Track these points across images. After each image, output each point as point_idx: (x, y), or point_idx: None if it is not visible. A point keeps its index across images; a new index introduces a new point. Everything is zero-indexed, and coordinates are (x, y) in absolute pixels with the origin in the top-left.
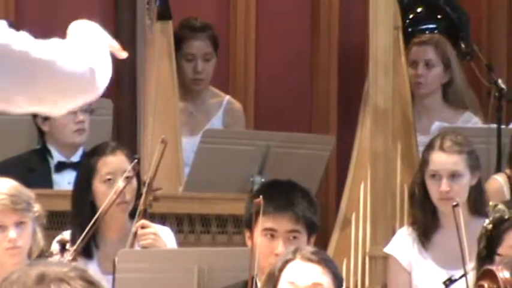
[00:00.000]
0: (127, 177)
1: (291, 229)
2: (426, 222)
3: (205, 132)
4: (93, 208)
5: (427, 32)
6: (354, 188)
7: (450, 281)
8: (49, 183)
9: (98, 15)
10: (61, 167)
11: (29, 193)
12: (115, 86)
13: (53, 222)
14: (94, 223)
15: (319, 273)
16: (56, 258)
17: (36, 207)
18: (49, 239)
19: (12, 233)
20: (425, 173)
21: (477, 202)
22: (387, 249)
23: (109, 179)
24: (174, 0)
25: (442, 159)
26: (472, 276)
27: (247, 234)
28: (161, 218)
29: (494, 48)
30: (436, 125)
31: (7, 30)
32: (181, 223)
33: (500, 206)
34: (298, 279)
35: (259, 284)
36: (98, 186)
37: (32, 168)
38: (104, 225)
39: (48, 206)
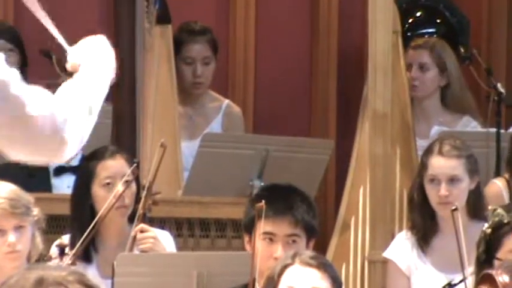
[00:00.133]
0: (126, 181)
1: (290, 233)
2: (425, 226)
3: (204, 136)
4: (93, 212)
5: (426, 36)
6: (353, 192)
7: (449, 285)
8: (48, 187)
9: (97, 18)
10: (60, 171)
11: (28, 197)
12: (114, 89)
13: (52, 226)
14: (93, 227)
15: (318, 278)
16: (55, 262)
17: (35, 211)
18: (48, 243)
19: (11, 237)
20: (424, 178)
21: (476, 206)
22: (386, 254)
23: (108, 183)
24: (174, 3)
25: (440, 164)
26: (471, 280)
27: (246, 238)
28: (160, 222)
29: (493, 53)
30: (436, 129)
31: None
32: (180, 227)
33: (499, 210)
34: (298, 284)
35: None
36: (97, 190)
37: (31, 172)
38: (103, 229)
39: (47, 210)
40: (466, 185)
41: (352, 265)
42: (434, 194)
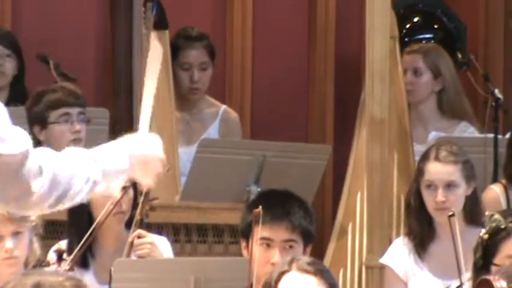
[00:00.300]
0: (124, 188)
1: (287, 238)
2: (422, 232)
3: (201, 142)
4: (90, 218)
5: (423, 41)
6: (350, 197)
7: None
8: None
9: (95, 24)
10: None
11: None
12: (111, 95)
13: (49, 231)
14: (91, 233)
15: (315, 285)
16: (53, 268)
17: (33, 217)
18: (45, 249)
19: (8, 243)
20: (421, 183)
21: (473, 212)
22: (383, 260)
23: None
24: (171, 9)
25: (437, 170)
26: (468, 286)
27: (243, 243)
28: (158, 228)
29: (490, 58)
30: (433, 135)
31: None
32: (177, 233)
33: (497, 216)
34: None
35: None
36: (94, 195)
37: None
38: (101, 235)
39: (44, 216)
40: (462, 190)
41: (349, 270)
42: (431, 200)
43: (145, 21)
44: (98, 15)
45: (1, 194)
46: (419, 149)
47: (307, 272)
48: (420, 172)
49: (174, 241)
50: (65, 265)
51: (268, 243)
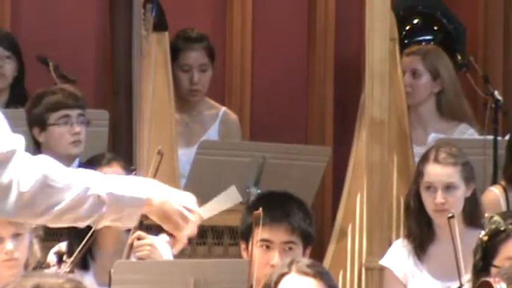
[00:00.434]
0: None
1: (287, 240)
2: (421, 234)
3: (201, 144)
4: None
5: (423, 43)
6: (350, 199)
7: None
8: None
9: (94, 25)
10: None
11: None
12: (111, 97)
13: (49, 233)
14: (91, 236)
15: (314, 287)
16: (53, 269)
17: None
18: (45, 250)
19: (9, 245)
20: (420, 185)
21: (472, 214)
22: (383, 262)
23: None
24: (170, 11)
25: (436, 171)
26: None
27: (242, 245)
28: (157, 230)
29: (490, 60)
30: (433, 137)
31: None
32: None
33: (496, 218)
34: None
35: None
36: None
37: None
38: (100, 236)
39: None
40: (462, 192)
41: (349, 272)
42: (431, 202)
43: (145, 22)
44: (97, 16)
45: None
46: (418, 150)
47: (306, 274)
48: (419, 174)
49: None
50: (65, 267)
51: (267, 245)
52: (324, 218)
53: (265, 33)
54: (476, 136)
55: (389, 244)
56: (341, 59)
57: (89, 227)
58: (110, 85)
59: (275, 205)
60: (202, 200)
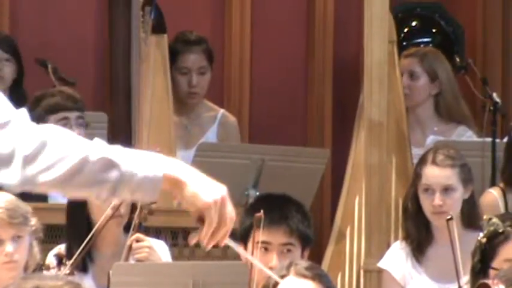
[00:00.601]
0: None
1: (285, 242)
2: (420, 236)
3: (199, 146)
4: (88, 221)
5: (422, 45)
6: (348, 201)
7: None
8: (44, 197)
9: (93, 28)
10: None
11: (26, 207)
12: (109, 99)
13: (48, 235)
14: (91, 238)
15: None
16: (53, 272)
17: (33, 221)
18: (44, 252)
19: (9, 247)
20: (418, 187)
21: (470, 215)
22: (381, 264)
23: None
24: (169, 13)
25: (434, 173)
26: None
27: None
28: (156, 232)
29: (489, 62)
30: (431, 139)
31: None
32: (175, 236)
33: (495, 220)
34: None
35: None
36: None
37: None
38: (99, 238)
39: (43, 220)
40: (460, 194)
41: (347, 274)
42: (429, 204)
43: (144, 25)
44: (96, 19)
45: None
46: (417, 152)
47: (305, 276)
48: (417, 176)
49: (172, 245)
50: (65, 269)
51: (266, 247)
52: (322, 220)
53: (264, 36)
54: (475, 138)
55: (388, 246)
56: (340, 61)
57: (88, 230)
58: (109, 87)
59: (274, 207)
60: None
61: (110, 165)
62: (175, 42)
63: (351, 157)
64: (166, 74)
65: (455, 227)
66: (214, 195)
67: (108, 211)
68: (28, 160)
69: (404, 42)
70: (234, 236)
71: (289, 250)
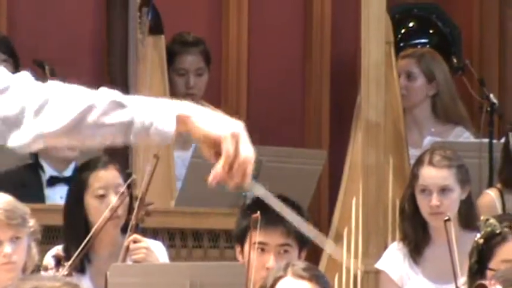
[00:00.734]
0: (122, 194)
1: (282, 243)
2: (417, 237)
3: (197, 147)
4: (86, 222)
5: (419, 46)
6: (345, 202)
7: None
8: (41, 198)
9: (90, 28)
10: (53, 181)
11: (24, 208)
12: None
13: (45, 236)
14: (88, 240)
15: None
16: (51, 273)
17: (31, 222)
18: (42, 253)
19: (7, 248)
20: (415, 188)
21: (468, 216)
22: (378, 265)
23: (101, 194)
24: (166, 14)
25: (431, 174)
26: None
27: (238, 248)
28: (153, 233)
29: (486, 63)
30: (428, 140)
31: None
32: (173, 238)
33: (492, 221)
34: None
35: None
36: (90, 200)
37: (24, 183)
38: (96, 240)
39: (40, 221)
40: (457, 195)
41: (345, 275)
42: (426, 205)
43: (141, 26)
44: (93, 20)
45: None
46: (414, 153)
47: (302, 277)
48: (414, 177)
49: (170, 246)
50: (63, 270)
51: (263, 247)
52: (319, 220)
53: (261, 37)
54: (472, 139)
55: (385, 247)
56: (337, 62)
57: (86, 231)
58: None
59: (270, 208)
60: (198, 203)
61: (119, 106)
62: (172, 43)
63: (348, 158)
64: (163, 75)
65: (453, 227)
66: (231, 128)
67: (106, 212)
68: (36, 113)
69: (401, 43)
70: (231, 237)
71: (286, 251)
